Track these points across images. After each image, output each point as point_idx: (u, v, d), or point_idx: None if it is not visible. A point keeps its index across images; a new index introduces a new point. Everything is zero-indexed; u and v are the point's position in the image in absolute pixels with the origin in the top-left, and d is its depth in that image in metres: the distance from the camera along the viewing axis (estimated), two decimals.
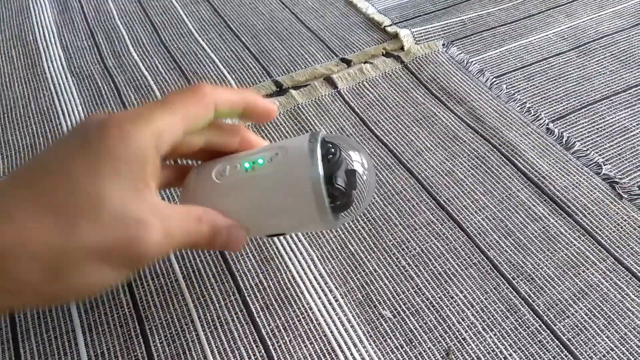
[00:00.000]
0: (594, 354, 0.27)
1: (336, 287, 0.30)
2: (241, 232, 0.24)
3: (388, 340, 0.28)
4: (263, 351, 0.27)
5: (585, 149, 0.37)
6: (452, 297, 0.29)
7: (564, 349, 0.27)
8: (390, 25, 0.48)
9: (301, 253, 0.31)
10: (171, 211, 0.21)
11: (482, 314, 0.29)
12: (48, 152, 0.21)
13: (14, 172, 0.21)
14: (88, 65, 0.46)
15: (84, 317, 0.29)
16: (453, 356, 0.27)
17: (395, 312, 0.29)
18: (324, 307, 0.29)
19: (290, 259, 0.31)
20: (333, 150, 0.24)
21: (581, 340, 0.28)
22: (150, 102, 0.22)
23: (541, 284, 0.30)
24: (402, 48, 0.46)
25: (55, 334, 0.28)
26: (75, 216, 0.19)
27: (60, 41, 0.49)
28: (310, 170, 0.23)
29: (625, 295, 0.29)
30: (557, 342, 0.27)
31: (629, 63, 0.44)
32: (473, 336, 0.28)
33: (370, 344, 0.28)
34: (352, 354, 0.27)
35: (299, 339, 0.28)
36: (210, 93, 0.23)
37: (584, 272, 0.30)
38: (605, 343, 0.27)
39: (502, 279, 0.30)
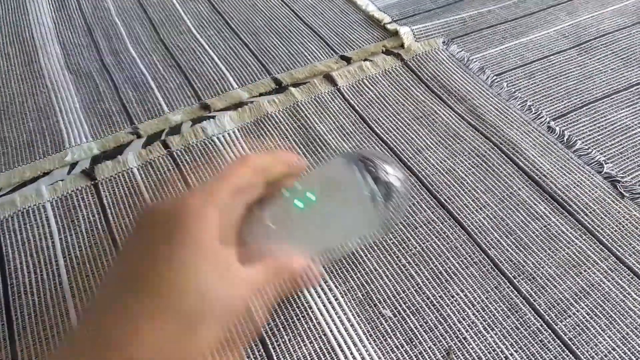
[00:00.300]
0: (596, 354, 0.27)
1: (336, 286, 0.30)
2: (315, 269, 0.27)
3: (388, 339, 0.27)
4: (262, 350, 0.27)
5: (586, 147, 0.37)
6: (453, 296, 0.29)
7: (565, 349, 0.27)
8: (390, 22, 0.48)
9: None
10: (257, 275, 0.24)
11: (482, 313, 0.28)
12: (133, 259, 0.23)
13: (116, 279, 0.23)
14: (86, 62, 0.46)
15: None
16: (454, 355, 0.27)
17: (395, 311, 0.29)
18: (324, 305, 0.29)
19: None
20: (371, 167, 0.27)
21: (582, 340, 0.27)
22: (210, 181, 0.25)
23: (542, 283, 0.30)
24: (402, 45, 0.46)
25: (52, 332, 0.28)
26: (194, 322, 0.21)
27: (58, 38, 0.49)
28: (363, 192, 0.26)
29: (627, 295, 0.29)
30: (558, 341, 0.27)
31: (630, 61, 0.44)
32: (474, 335, 0.28)
33: (370, 343, 0.27)
34: (351, 353, 0.27)
35: (299, 338, 0.27)
36: (254, 158, 0.26)
37: (585, 271, 0.30)
38: (606, 343, 0.27)
39: (502, 278, 0.30)
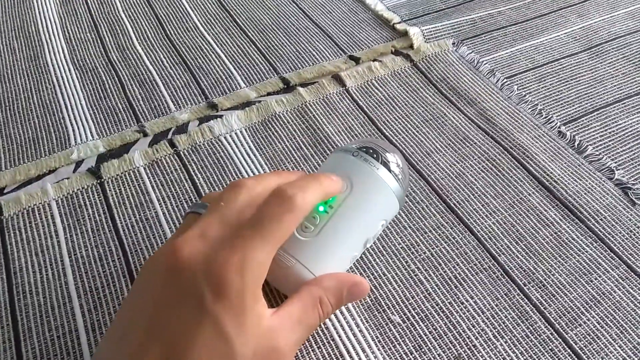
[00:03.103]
0: None
1: None
2: (363, 286, 0.25)
3: (397, 345, 0.27)
4: None
5: (597, 153, 0.36)
6: (463, 303, 0.29)
7: (575, 358, 0.27)
8: (400, 22, 0.48)
9: None
10: (290, 320, 0.23)
11: (492, 320, 0.28)
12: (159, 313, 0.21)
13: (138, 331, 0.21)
14: (91, 58, 0.45)
15: (87, 316, 0.28)
16: None
17: (404, 317, 0.28)
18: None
19: None
20: (375, 154, 0.27)
21: (593, 349, 0.27)
22: (241, 228, 0.22)
23: (553, 290, 0.29)
24: (411, 46, 0.45)
25: (58, 333, 0.28)
26: None
27: (64, 33, 0.48)
28: (378, 177, 0.27)
29: (638, 304, 0.29)
30: (568, 350, 0.27)
31: None
32: (483, 343, 0.27)
33: (379, 349, 0.27)
34: (360, 359, 0.27)
35: (307, 343, 0.27)
36: (301, 201, 0.23)
37: (596, 279, 0.30)
38: (617, 353, 0.27)
39: (513, 285, 0.30)
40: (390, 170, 0.27)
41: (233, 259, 0.21)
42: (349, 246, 0.26)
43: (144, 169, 0.36)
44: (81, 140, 0.38)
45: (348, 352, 0.27)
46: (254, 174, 0.35)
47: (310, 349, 0.27)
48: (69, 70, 0.44)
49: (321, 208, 0.26)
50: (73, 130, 0.39)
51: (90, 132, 0.39)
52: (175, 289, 0.21)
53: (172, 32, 0.48)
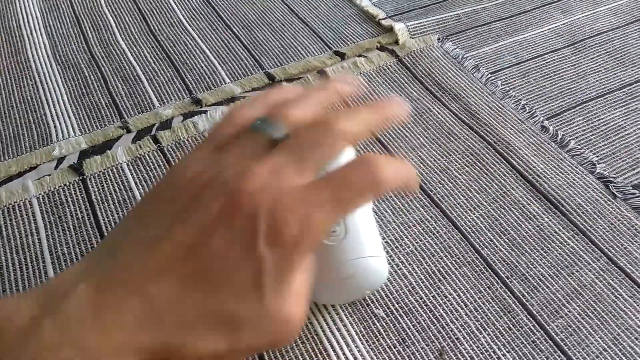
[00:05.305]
0: (587, 355, 0.27)
1: None
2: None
3: (381, 339, 0.27)
4: None
5: (579, 147, 0.37)
6: (446, 296, 0.29)
7: (557, 349, 0.27)
8: (385, 18, 0.48)
9: None
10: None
11: (475, 313, 0.28)
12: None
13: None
14: (74, 53, 0.45)
15: None
16: (446, 356, 0.27)
17: (388, 311, 0.28)
18: (316, 305, 0.28)
19: None
20: None
21: (574, 340, 0.27)
22: (317, 186, 0.20)
23: (535, 283, 0.30)
24: (396, 42, 0.45)
25: None
26: (240, 329, 0.19)
27: (45, 28, 0.47)
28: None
29: (618, 296, 0.29)
30: (550, 342, 0.27)
31: (624, 61, 0.44)
32: (467, 336, 0.27)
33: (362, 344, 0.27)
34: (344, 354, 0.27)
35: None
36: (384, 188, 0.21)
37: (577, 271, 0.30)
38: (598, 344, 0.27)
39: (495, 278, 0.30)
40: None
41: (299, 212, 0.19)
42: (373, 225, 0.27)
43: (127, 165, 0.36)
44: (63, 136, 0.38)
45: (332, 346, 0.27)
46: None
47: (293, 344, 0.27)
48: (51, 66, 0.44)
49: None
50: (55, 127, 0.38)
51: (73, 129, 0.38)
52: (228, 218, 0.19)
53: (155, 27, 0.47)
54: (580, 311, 0.28)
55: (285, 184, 0.20)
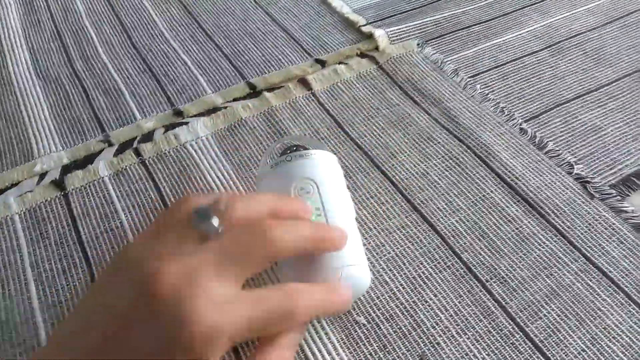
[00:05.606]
0: (566, 355, 0.27)
1: None
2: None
3: (362, 346, 0.28)
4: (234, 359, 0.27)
5: (557, 148, 0.37)
6: (427, 302, 0.29)
7: (536, 351, 0.27)
8: (365, 25, 0.48)
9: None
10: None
11: (455, 317, 0.29)
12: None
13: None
14: (55, 67, 0.45)
15: (51, 331, 0.28)
16: None
17: (369, 317, 0.29)
18: None
19: None
20: (301, 147, 0.30)
21: (553, 341, 0.28)
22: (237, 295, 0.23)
23: (514, 285, 0.30)
24: (377, 48, 0.46)
25: (20, 349, 0.27)
26: None
27: (27, 43, 0.47)
28: (326, 154, 0.31)
29: (596, 296, 0.29)
30: (529, 343, 0.28)
31: (601, 61, 0.44)
32: (447, 340, 0.28)
33: (344, 351, 0.27)
34: None
35: None
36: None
37: (556, 272, 0.31)
38: (576, 344, 0.28)
39: (475, 281, 0.30)
40: (323, 148, 0.30)
41: (206, 323, 0.20)
42: (350, 216, 0.29)
43: (109, 179, 0.36)
44: (45, 152, 0.38)
45: (313, 354, 0.27)
46: (220, 180, 0.35)
47: None
48: (32, 80, 0.44)
49: (313, 217, 0.27)
50: (36, 142, 0.38)
51: (54, 143, 0.38)
52: (145, 310, 0.21)
53: (137, 40, 0.48)
54: (559, 312, 0.29)
55: (199, 289, 0.21)
